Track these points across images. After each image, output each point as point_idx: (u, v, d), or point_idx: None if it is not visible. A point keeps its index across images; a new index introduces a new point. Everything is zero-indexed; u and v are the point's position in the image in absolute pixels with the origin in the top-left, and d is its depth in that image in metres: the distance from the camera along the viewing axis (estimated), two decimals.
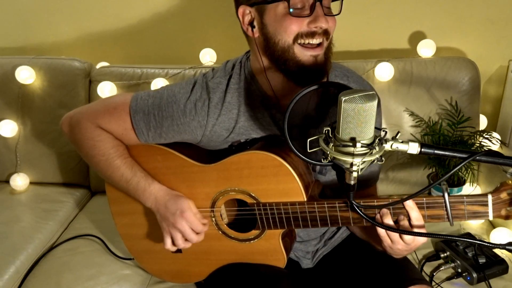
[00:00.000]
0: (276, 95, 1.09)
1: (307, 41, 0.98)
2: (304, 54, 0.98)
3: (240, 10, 1.02)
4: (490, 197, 0.91)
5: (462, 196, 0.92)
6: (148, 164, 1.17)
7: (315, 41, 0.98)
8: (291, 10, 0.95)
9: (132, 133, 1.13)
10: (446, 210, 0.92)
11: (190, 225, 1.10)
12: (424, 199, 0.94)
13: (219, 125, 1.10)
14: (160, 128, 1.10)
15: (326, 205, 1.01)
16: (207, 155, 1.13)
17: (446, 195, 0.91)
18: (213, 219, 1.14)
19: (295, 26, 0.96)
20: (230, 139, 1.11)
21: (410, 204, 0.93)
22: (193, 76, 1.66)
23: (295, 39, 0.97)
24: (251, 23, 1.02)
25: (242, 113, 1.09)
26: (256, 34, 1.03)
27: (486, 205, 0.91)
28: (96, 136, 1.13)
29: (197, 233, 1.11)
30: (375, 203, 0.97)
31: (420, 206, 0.94)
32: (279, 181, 1.03)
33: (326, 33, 0.98)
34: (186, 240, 1.12)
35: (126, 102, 1.12)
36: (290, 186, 1.02)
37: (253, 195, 1.07)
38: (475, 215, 0.93)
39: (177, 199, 1.11)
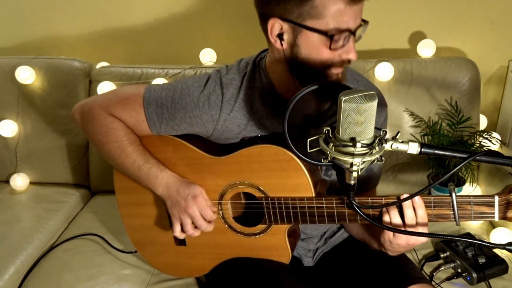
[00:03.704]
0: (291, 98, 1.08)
1: (334, 68, 0.99)
2: (332, 74, 0.99)
3: (271, 21, 0.97)
4: (497, 198, 0.92)
5: (469, 196, 0.93)
6: (159, 154, 1.17)
7: (341, 69, 1.00)
8: (331, 47, 0.95)
9: (145, 124, 1.13)
10: (453, 210, 0.93)
11: (201, 210, 1.10)
12: (432, 198, 0.95)
13: (231, 121, 1.10)
14: (173, 120, 1.11)
15: (334, 201, 1.01)
16: (218, 148, 1.14)
17: (453, 195, 0.92)
18: (220, 212, 1.14)
19: (330, 57, 0.96)
20: (241, 135, 1.12)
21: (419, 202, 0.94)
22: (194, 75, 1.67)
23: (328, 67, 0.98)
24: (279, 35, 0.98)
25: (255, 111, 1.10)
26: (284, 46, 0.99)
27: (493, 206, 0.92)
28: (110, 123, 1.14)
29: (207, 221, 1.11)
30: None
31: (427, 205, 0.95)
32: (288, 176, 1.03)
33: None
34: (195, 227, 1.12)
35: (139, 94, 1.13)
36: (299, 181, 1.02)
37: (261, 189, 1.07)
38: (481, 216, 0.94)
39: (189, 185, 1.12)
